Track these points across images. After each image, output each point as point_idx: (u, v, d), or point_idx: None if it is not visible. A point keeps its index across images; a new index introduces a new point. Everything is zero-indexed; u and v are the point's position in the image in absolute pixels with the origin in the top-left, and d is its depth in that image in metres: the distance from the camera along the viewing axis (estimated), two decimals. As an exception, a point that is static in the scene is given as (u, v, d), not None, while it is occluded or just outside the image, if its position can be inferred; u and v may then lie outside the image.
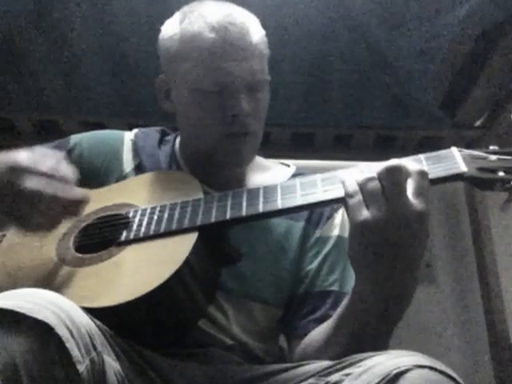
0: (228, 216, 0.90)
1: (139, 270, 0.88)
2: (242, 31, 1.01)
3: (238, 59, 1.00)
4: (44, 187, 0.86)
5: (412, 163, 0.79)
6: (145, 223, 0.94)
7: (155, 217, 0.94)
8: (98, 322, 0.76)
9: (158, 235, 0.91)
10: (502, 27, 1.87)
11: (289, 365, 0.89)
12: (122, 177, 1.10)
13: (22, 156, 0.89)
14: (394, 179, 0.76)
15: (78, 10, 1.82)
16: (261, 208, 0.89)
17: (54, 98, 2.02)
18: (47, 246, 0.96)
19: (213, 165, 1.07)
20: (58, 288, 0.85)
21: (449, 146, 0.86)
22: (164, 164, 1.12)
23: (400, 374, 0.69)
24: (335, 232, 1.07)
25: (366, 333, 0.84)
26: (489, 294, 2.22)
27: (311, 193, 0.87)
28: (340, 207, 1.08)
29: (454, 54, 1.99)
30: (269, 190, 0.92)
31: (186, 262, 0.85)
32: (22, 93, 1.98)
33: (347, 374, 0.74)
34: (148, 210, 0.96)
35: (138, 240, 0.92)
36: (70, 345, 0.66)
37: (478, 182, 0.83)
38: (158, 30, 1.10)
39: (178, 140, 1.16)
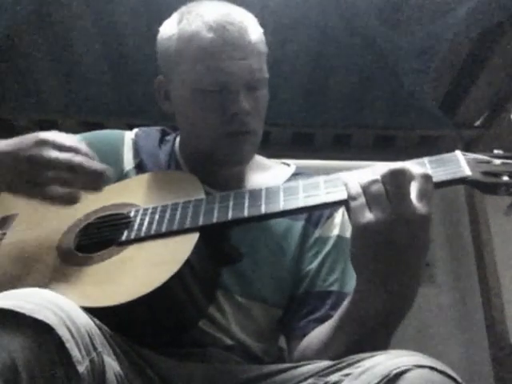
0: (230, 217, 0.90)
1: (140, 270, 0.88)
2: (241, 30, 1.01)
3: (237, 58, 1.00)
4: (71, 157, 0.89)
5: (416, 166, 0.79)
6: (146, 223, 0.93)
7: (156, 217, 0.94)
8: (98, 322, 0.76)
9: (159, 235, 0.91)
10: (502, 27, 1.87)
11: (288, 365, 0.89)
12: (123, 176, 1.09)
13: (47, 133, 0.92)
14: (397, 182, 0.76)
15: (77, 10, 1.82)
16: (263, 209, 0.89)
17: (54, 98, 2.02)
18: (48, 245, 0.96)
19: (213, 164, 1.07)
20: (59, 287, 0.85)
21: (449, 146, 0.86)
22: (164, 163, 1.12)
23: (400, 374, 0.69)
24: (335, 232, 1.07)
25: (367, 334, 0.84)
26: (488, 294, 2.22)
27: (314, 195, 0.87)
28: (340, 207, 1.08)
29: (454, 54, 1.99)
30: (271, 191, 0.91)
31: (187, 262, 0.85)
32: (21, 93, 1.99)
33: (347, 374, 0.74)
34: (149, 210, 0.96)
35: (139, 240, 0.92)
36: (70, 345, 0.66)
37: (482, 187, 0.83)
38: (158, 31, 1.10)
39: (177, 140, 1.16)
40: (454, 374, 0.71)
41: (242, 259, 0.96)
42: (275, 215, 0.90)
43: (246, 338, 1.00)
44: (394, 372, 0.69)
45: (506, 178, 0.81)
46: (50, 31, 1.86)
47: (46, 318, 0.67)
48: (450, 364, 0.74)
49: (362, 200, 0.77)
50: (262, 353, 1.02)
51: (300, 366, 0.85)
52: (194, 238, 0.88)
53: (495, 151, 0.87)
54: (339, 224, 1.08)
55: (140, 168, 1.11)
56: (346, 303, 0.87)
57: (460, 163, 0.83)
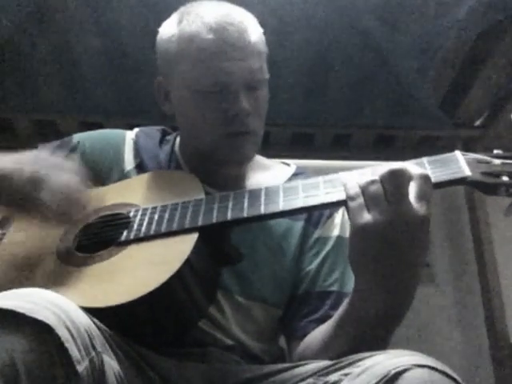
0: (229, 217, 0.90)
1: (140, 270, 0.87)
2: (240, 30, 1.01)
3: (237, 59, 1.00)
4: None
5: (415, 167, 0.78)
6: (145, 223, 0.93)
7: (156, 217, 0.94)
8: (98, 322, 0.76)
9: (158, 235, 0.91)
10: (502, 27, 1.87)
11: (288, 365, 0.89)
12: (123, 176, 1.09)
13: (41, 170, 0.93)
14: (396, 183, 0.76)
15: (77, 10, 1.82)
16: (262, 209, 0.89)
17: (53, 99, 2.02)
18: (48, 245, 0.96)
19: (213, 164, 1.07)
20: (58, 287, 0.85)
21: (448, 146, 0.86)
22: (164, 163, 1.12)
23: (399, 374, 0.69)
24: (335, 232, 1.07)
25: (367, 334, 0.84)
26: (489, 294, 2.22)
27: (313, 195, 0.87)
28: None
29: (454, 54, 1.99)
30: (270, 191, 0.91)
31: (187, 262, 0.85)
32: (21, 93, 1.99)
33: (346, 374, 0.74)
34: (149, 210, 0.96)
35: (138, 240, 0.92)
36: (70, 345, 0.66)
37: (482, 187, 0.83)
38: (157, 31, 1.10)
39: (178, 139, 1.16)
40: (453, 374, 0.71)
41: (242, 259, 0.96)
42: (275, 215, 0.90)
43: (245, 338, 1.00)
44: (394, 371, 0.69)
45: (505, 179, 0.81)
46: (50, 31, 1.86)
47: (46, 317, 0.67)
48: (450, 364, 0.74)
49: (361, 200, 0.77)
50: (262, 353, 1.02)
51: (300, 365, 0.86)
52: (193, 238, 0.88)
53: (495, 151, 0.87)
54: (339, 224, 1.08)
55: (140, 168, 1.10)
56: (345, 303, 0.87)
57: (460, 163, 0.83)
